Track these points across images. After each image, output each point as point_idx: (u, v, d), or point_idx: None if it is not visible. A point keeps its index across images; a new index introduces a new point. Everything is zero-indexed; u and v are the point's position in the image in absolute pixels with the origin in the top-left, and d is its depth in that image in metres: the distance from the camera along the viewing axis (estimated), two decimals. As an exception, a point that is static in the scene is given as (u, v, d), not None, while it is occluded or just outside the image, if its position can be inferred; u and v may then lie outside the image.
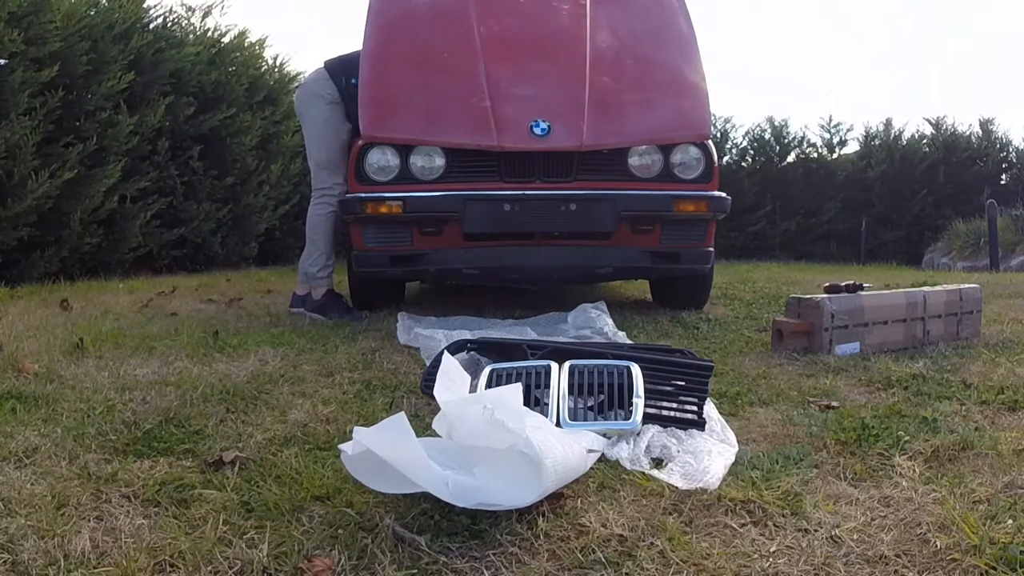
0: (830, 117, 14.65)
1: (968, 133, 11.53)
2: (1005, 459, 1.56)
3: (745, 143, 11.71)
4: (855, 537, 1.22)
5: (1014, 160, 11.53)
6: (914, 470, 1.51)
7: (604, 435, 1.65)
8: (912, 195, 11.07)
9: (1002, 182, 11.35)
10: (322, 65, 3.69)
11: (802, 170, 11.48)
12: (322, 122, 3.58)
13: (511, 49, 3.53)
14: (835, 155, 11.81)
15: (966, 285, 3.03)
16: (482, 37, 3.49)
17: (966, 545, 1.18)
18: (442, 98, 3.38)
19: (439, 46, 3.53)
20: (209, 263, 6.89)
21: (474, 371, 1.99)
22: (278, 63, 8.10)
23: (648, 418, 1.72)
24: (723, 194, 3.43)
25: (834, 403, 2.01)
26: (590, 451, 1.52)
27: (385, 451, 1.21)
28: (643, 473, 1.49)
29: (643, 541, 1.22)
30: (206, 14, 7.29)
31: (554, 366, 1.86)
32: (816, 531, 1.25)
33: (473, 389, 1.78)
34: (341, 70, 3.61)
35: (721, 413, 1.88)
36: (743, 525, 1.28)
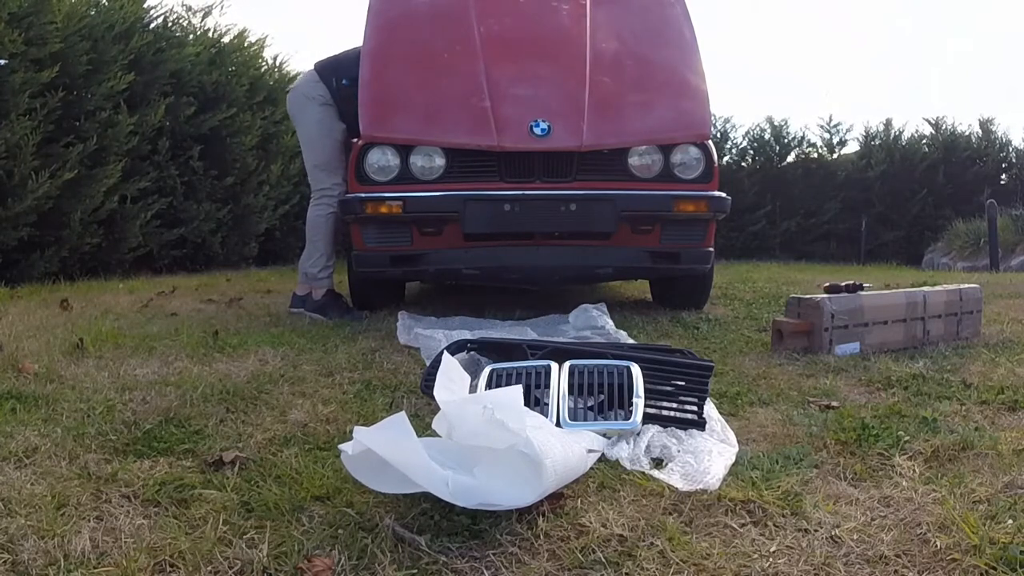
0: (830, 117, 14.67)
1: (968, 133, 11.54)
2: (1005, 459, 1.56)
3: (745, 143, 11.71)
4: (855, 537, 1.22)
5: (1014, 160, 11.54)
6: (914, 470, 1.51)
7: (604, 435, 1.65)
8: (912, 195, 11.07)
9: (1002, 182, 11.35)
10: (312, 67, 3.69)
11: (802, 170, 11.48)
12: (316, 124, 3.58)
13: (511, 49, 3.52)
14: (835, 155, 11.82)
15: (966, 285, 3.03)
16: (482, 37, 3.49)
17: (966, 545, 1.18)
18: (442, 98, 3.38)
19: (439, 46, 3.53)
20: (209, 263, 6.89)
21: (474, 371, 1.99)
22: (278, 63, 8.10)
23: (648, 418, 1.72)
24: (723, 194, 3.43)
25: (834, 403, 2.01)
26: (590, 451, 1.52)
27: (385, 451, 1.21)
28: (643, 473, 1.49)
29: (643, 541, 1.22)
30: (206, 14, 7.29)
31: (554, 366, 1.86)
32: (816, 531, 1.25)
33: (473, 389, 1.78)
34: (332, 71, 3.61)
35: (721, 413, 1.88)
36: (743, 525, 1.28)
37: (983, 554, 1.15)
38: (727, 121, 11.63)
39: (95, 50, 5.62)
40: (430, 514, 1.29)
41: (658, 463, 1.56)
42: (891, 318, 2.75)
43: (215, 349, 2.66)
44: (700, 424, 1.73)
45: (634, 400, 1.72)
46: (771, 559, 1.16)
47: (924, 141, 11.58)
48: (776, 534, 1.24)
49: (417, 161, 3.26)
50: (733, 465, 1.53)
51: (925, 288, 3.02)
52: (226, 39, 7.34)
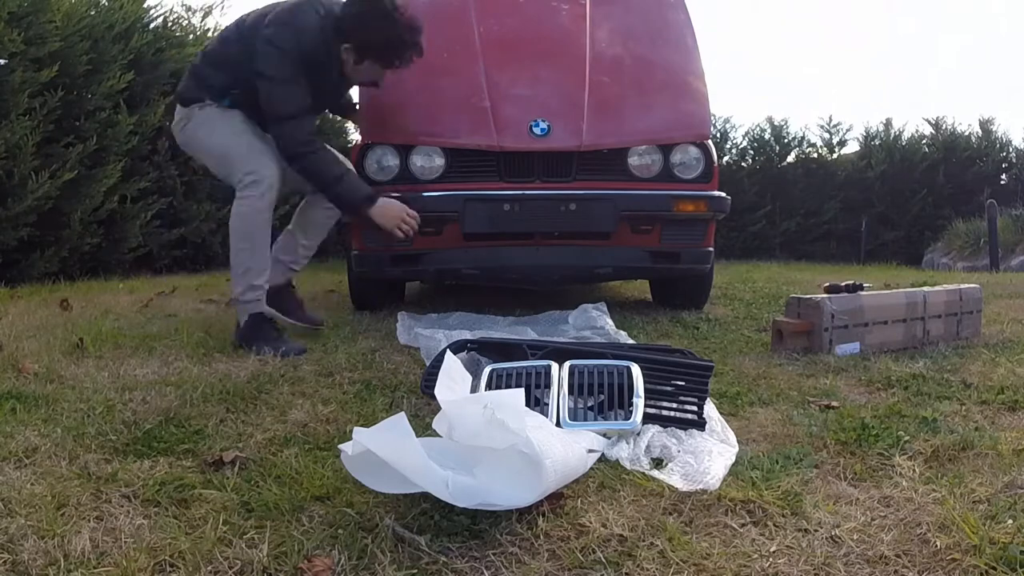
0: (830, 117, 14.66)
1: (968, 133, 11.54)
2: (1005, 459, 1.56)
3: (745, 143, 11.71)
4: (855, 537, 1.22)
5: (1014, 160, 11.53)
6: (914, 470, 1.51)
7: (604, 435, 1.65)
8: (912, 195, 11.07)
9: (1002, 182, 11.35)
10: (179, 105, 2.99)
11: (802, 170, 11.48)
12: (209, 136, 2.86)
13: (511, 49, 3.52)
14: (835, 155, 11.81)
15: (966, 285, 3.03)
16: (482, 37, 3.49)
17: (966, 545, 1.18)
18: (442, 98, 3.38)
19: (439, 46, 3.52)
20: (209, 263, 6.89)
21: (474, 371, 1.99)
22: (278, 63, 8.08)
23: (648, 418, 1.72)
24: (723, 194, 3.43)
25: (834, 403, 2.01)
26: (590, 451, 1.52)
27: (385, 451, 1.21)
28: (643, 473, 1.49)
29: (643, 541, 1.22)
30: (206, 14, 7.31)
31: (554, 366, 1.86)
32: (816, 531, 1.25)
33: (473, 389, 1.78)
34: (196, 89, 2.88)
35: (721, 413, 1.88)
36: (743, 525, 1.28)
37: (983, 554, 1.15)
38: (727, 121, 11.63)
39: (95, 50, 5.61)
40: (430, 514, 1.29)
41: (658, 463, 1.56)
42: (891, 318, 2.75)
43: (215, 349, 2.66)
44: (700, 424, 1.73)
45: (634, 400, 1.72)
46: (771, 559, 1.16)
47: (924, 141, 11.57)
48: (776, 534, 1.24)
49: (417, 161, 3.26)
50: (733, 465, 1.53)
51: (925, 288, 3.01)
52: (226, 39, 7.32)
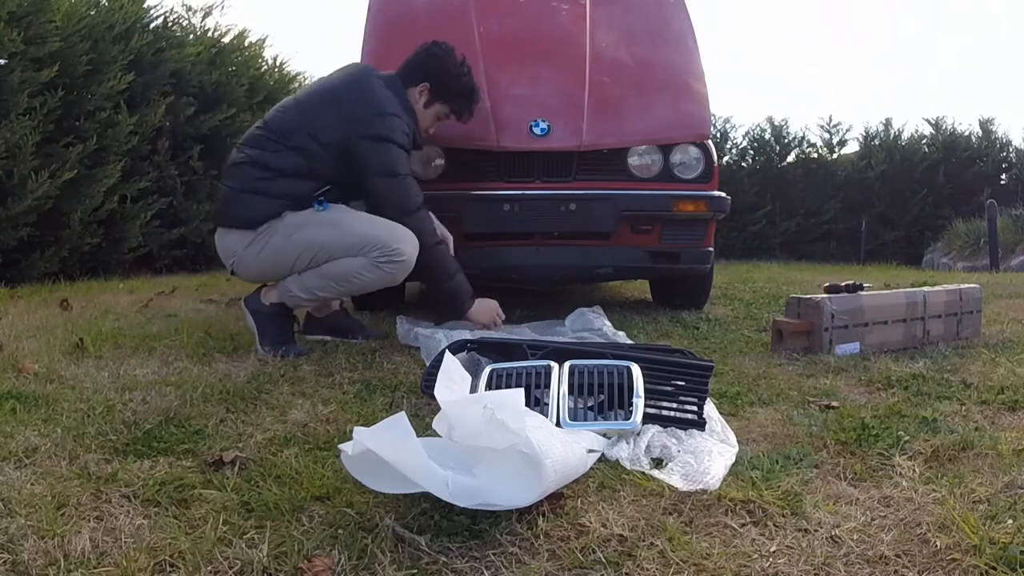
0: (830, 117, 14.68)
1: (968, 133, 11.55)
2: (1005, 459, 1.56)
3: (745, 143, 11.72)
4: (855, 537, 1.22)
5: (1014, 160, 11.54)
6: (914, 470, 1.51)
7: (604, 435, 1.65)
8: (912, 195, 11.08)
9: (1002, 182, 11.36)
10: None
11: (802, 170, 11.49)
12: (314, 229, 2.63)
13: (511, 49, 3.52)
14: (835, 155, 11.83)
15: (966, 285, 3.03)
16: (482, 37, 3.49)
17: (966, 545, 1.18)
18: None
19: (439, 46, 3.52)
20: (209, 263, 6.89)
21: (474, 371, 1.99)
22: (278, 63, 8.11)
23: (648, 418, 1.72)
24: (723, 194, 3.43)
25: (834, 403, 2.01)
26: (590, 451, 1.52)
27: (385, 451, 1.21)
28: (643, 473, 1.49)
29: (643, 541, 1.22)
30: (206, 14, 7.31)
31: (554, 366, 1.86)
32: (816, 531, 1.25)
33: (473, 389, 1.78)
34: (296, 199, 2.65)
35: (721, 413, 1.88)
36: (743, 525, 1.28)
37: (983, 554, 1.15)
38: (727, 121, 11.65)
39: (95, 50, 5.62)
40: (430, 514, 1.29)
41: (658, 463, 1.56)
42: (891, 318, 2.75)
43: (215, 349, 2.65)
44: (700, 424, 1.73)
45: (634, 400, 1.72)
46: (771, 559, 1.16)
47: (924, 141, 11.59)
48: (776, 534, 1.24)
49: (416, 161, 3.25)
50: (733, 465, 1.53)
51: (925, 288, 3.02)
52: (226, 39, 7.34)
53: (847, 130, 12.01)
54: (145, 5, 6.38)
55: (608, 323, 3.02)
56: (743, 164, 11.59)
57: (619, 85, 3.44)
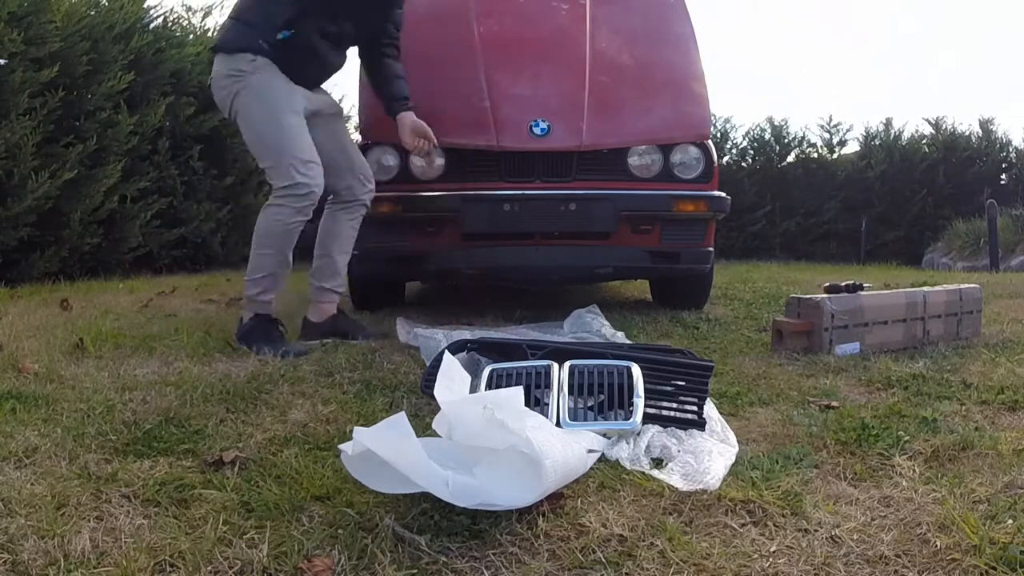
0: (830, 117, 14.66)
1: (968, 133, 11.54)
2: (1005, 459, 1.56)
3: (745, 143, 11.71)
4: (855, 537, 1.22)
5: (1014, 160, 11.54)
6: (914, 470, 1.51)
7: (604, 435, 1.65)
8: (912, 195, 11.07)
9: (1002, 182, 11.35)
10: (216, 52, 2.77)
11: (802, 170, 11.48)
12: (258, 105, 2.68)
13: (511, 49, 3.53)
14: (835, 155, 11.82)
15: (966, 285, 3.03)
16: (482, 37, 3.49)
17: (966, 545, 1.18)
18: (441, 98, 3.38)
19: (439, 46, 3.53)
20: (209, 263, 6.89)
21: (474, 371, 1.99)
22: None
23: (648, 418, 1.72)
24: (723, 194, 3.43)
25: (834, 403, 2.01)
26: (590, 451, 1.52)
27: (385, 451, 1.21)
28: (643, 473, 1.49)
29: (643, 541, 1.21)
30: (206, 14, 7.33)
31: (554, 366, 1.86)
32: (816, 531, 1.25)
33: (473, 389, 1.78)
34: (248, 35, 2.67)
35: (721, 413, 1.88)
36: (743, 525, 1.28)
37: (983, 554, 1.15)
38: (727, 121, 11.64)
39: (95, 50, 5.61)
40: (430, 514, 1.29)
41: (658, 463, 1.56)
42: (891, 318, 2.75)
43: (215, 349, 2.66)
44: (700, 424, 1.73)
45: (634, 400, 1.72)
46: (771, 559, 1.16)
47: (924, 141, 11.58)
48: (776, 534, 1.24)
49: (417, 161, 3.26)
50: (733, 465, 1.53)
51: (925, 288, 3.02)
52: (226, 39, 7.32)
53: (847, 130, 12.01)
54: (145, 5, 6.38)
55: (607, 323, 3.02)
56: (743, 164, 11.59)
57: (619, 85, 3.44)
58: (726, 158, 11.40)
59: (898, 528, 1.26)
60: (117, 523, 1.26)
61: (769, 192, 11.18)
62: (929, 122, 11.76)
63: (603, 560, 1.16)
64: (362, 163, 2.99)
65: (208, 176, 6.75)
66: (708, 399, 1.84)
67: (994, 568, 1.12)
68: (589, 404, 1.75)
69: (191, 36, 6.97)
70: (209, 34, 7.17)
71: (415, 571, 1.13)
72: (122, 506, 1.33)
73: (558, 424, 1.65)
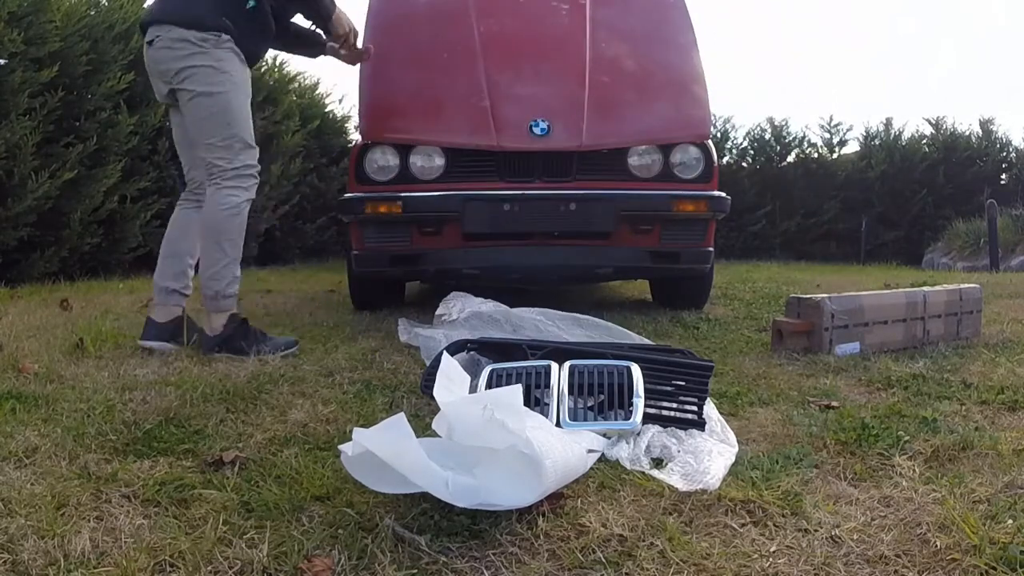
0: (830, 117, 14.66)
1: (968, 133, 11.55)
2: (1005, 459, 1.56)
3: (745, 143, 11.72)
4: (855, 537, 1.22)
5: (1014, 160, 11.54)
6: (914, 470, 1.51)
7: (604, 435, 1.65)
8: (912, 195, 11.08)
9: (1002, 182, 11.35)
10: (171, 24, 2.54)
11: (802, 170, 11.48)
12: (225, 83, 2.55)
13: (511, 49, 3.53)
14: (835, 155, 11.82)
15: (966, 285, 3.03)
16: (482, 37, 3.49)
17: (966, 545, 1.18)
18: (442, 98, 3.38)
19: (439, 46, 3.53)
20: (209, 263, 6.88)
21: (474, 371, 1.99)
22: (278, 63, 8.10)
23: (648, 418, 1.72)
24: (723, 194, 3.43)
25: (834, 403, 2.01)
26: (590, 451, 1.52)
27: (385, 452, 1.21)
28: (643, 473, 1.49)
29: (643, 541, 1.21)
30: (206, 14, 7.27)
31: (554, 366, 1.86)
32: (816, 531, 1.25)
33: (473, 389, 1.78)
34: (213, 8, 2.55)
35: (721, 413, 1.88)
36: (743, 525, 1.28)
37: (983, 554, 1.15)
38: (727, 121, 11.65)
39: (95, 50, 5.61)
40: (430, 514, 1.29)
41: (658, 463, 1.56)
42: (891, 318, 2.75)
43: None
44: (700, 424, 1.73)
45: (634, 400, 1.72)
46: (771, 559, 1.16)
47: (924, 141, 11.58)
48: (776, 534, 1.24)
49: (417, 161, 3.26)
50: (733, 465, 1.53)
51: (925, 288, 3.02)
52: (226, 39, 7.32)
53: (847, 130, 12.00)
54: (145, 5, 6.38)
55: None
56: (743, 164, 11.59)
57: (619, 85, 3.44)
58: (726, 158, 11.40)
59: (898, 528, 1.26)
60: (117, 523, 1.26)
61: (769, 192, 11.18)
62: (929, 122, 11.78)
63: (603, 560, 1.16)
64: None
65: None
66: (708, 399, 1.84)
67: (994, 568, 1.12)
68: (589, 404, 1.75)
69: (191, 36, 6.96)
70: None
71: (415, 571, 1.13)
72: (122, 506, 1.33)
73: (558, 424, 1.65)
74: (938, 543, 1.19)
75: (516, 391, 1.38)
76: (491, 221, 3.20)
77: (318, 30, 2.90)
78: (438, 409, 1.36)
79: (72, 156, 5.31)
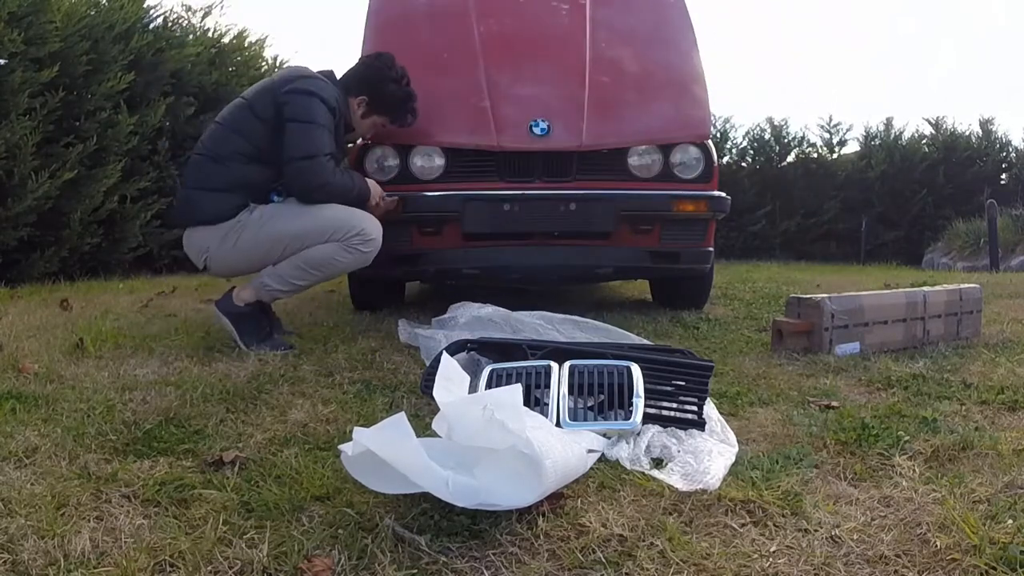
0: (830, 117, 14.66)
1: (968, 133, 11.56)
2: (1005, 459, 1.56)
3: (745, 143, 11.72)
4: (855, 537, 1.22)
5: (1014, 160, 11.55)
6: (914, 470, 1.51)
7: (604, 435, 1.65)
8: (912, 195, 11.08)
9: (1002, 182, 11.36)
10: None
11: (802, 170, 11.49)
12: (284, 221, 2.69)
13: (511, 49, 3.52)
14: (835, 155, 11.83)
15: (966, 285, 3.03)
16: (482, 37, 3.49)
17: (966, 545, 1.18)
18: (442, 98, 3.37)
19: (439, 46, 3.53)
20: (209, 263, 6.88)
21: (474, 371, 1.99)
22: (278, 63, 8.10)
23: (648, 418, 1.72)
24: (723, 194, 3.43)
25: (834, 403, 2.01)
26: (590, 451, 1.52)
27: (385, 451, 1.21)
28: (643, 473, 1.49)
29: (643, 541, 1.22)
30: (206, 14, 7.31)
31: (554, 366, 1.86)
32: (816, 531, 1.25)
33: (473, 389, 1.78)
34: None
35: (721, 413, 1.88)
36: (743, 525, 1.28)
37: (983, 554, 1.15)
38: (727, 121, 11.65)
39: (95, 50, 5.62)
40: (430, 514, 1.29)
41: (658, 463, 1.56)
42: (891, 318, 2.75)
43: (215, 349, 2.65)
44: (700, 424, 1.73)
45: (634, 400, 1.72)
46: (771, 559, 1.16)
47: (924, 141, 11.59)
48: (776, 534, 1.24)
49: (417, 161, 3.25)
50: (733, 465, 1.53)
51: (925, 288, 3.02)
52: (226, 39, 7.34)
53: (847, 130, 12.01)
54: (145, 5, 6.38)
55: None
56: (743, 164, 11.59)
57: (619, 85, 3.44)
58: (726, 158, 11.41)
59: (898, 528, 1.26)
60: (117, 523, 1.26)
61: (769, 192, 11.18)
62: (929, 122, 11.79)
63: (603, 560, 1.16)
64: None
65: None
66: (708, 399, 1.84)
67: (994, 568, 1.12)
68: (589, 404, 1.75)
69: (191, 36, 6.96)
70: (209, 34, 7.17)
71: (415, 571, 1.13)
72: (122, 506, 1.33)
73: (558, 424, 1.65)
74: (938, 543, 1.19)
75: (516, 391, 1.37)
76: (491, 221, 3.20)
77: None
78: (438, 409, 1.36)
79: (72, 156, 5.31)
